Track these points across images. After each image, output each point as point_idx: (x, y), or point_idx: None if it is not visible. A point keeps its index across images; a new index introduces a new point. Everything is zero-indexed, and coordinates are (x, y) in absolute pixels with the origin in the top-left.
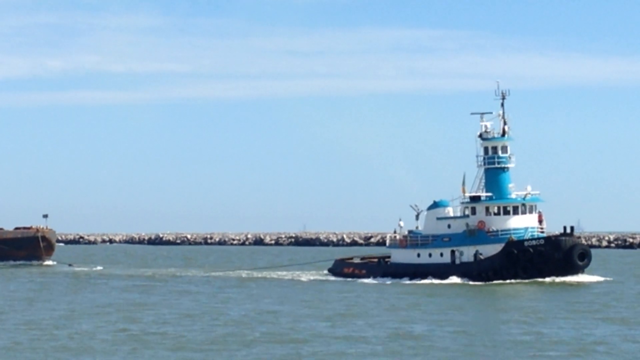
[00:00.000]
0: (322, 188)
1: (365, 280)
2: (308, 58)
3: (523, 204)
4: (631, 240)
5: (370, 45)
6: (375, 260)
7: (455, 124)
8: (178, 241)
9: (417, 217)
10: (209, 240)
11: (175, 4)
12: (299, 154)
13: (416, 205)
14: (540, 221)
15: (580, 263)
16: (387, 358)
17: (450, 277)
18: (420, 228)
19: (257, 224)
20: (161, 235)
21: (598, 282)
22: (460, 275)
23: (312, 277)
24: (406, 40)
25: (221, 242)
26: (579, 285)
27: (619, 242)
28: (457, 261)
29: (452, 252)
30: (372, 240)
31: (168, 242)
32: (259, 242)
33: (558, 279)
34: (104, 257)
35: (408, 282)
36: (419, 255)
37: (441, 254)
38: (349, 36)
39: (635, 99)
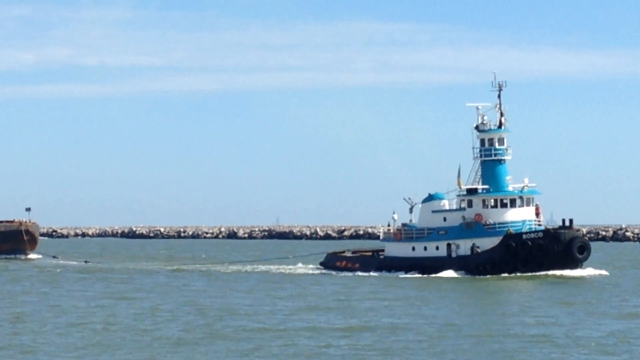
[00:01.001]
0: (295, 181)
1: (360, 274)
2: (281, 51)
3: (520, 197)
4: (604, 233)
5: (343, 38)
6: (369, 253)
7: (435, 117)
8: (151, 235)
9: (410, 210)
10: (182, 234)
11: None
12: (272, 147)
13: (410, 198)
14: (537, 214)
15: (579, 256)
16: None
17: (447, 271)
18: (414, 221)
19: (230, 218)
20: (134, 229)
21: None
22: (457, 268)
23: (303, 271)
24: (379, 34)
25: (194, 236)
26: (578, 279)
27: (592, 235)
28: (454, 254)
29: (448, 245)
30: (346, 233)
31: (141, 236)
32: (232, 235)
33: (557, 272)
34: (86, 250)
35: (404, 275)
36: (413, 248)
37: (437, 247)
38: (322, 29)
39: (610, 92)
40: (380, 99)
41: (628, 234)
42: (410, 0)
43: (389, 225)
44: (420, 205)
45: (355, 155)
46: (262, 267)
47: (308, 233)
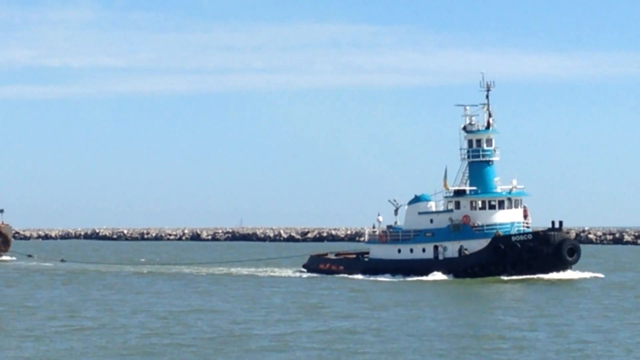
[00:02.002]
0: (259, 183)
1: (344, 277)
2: (246, 53)
3: (509, 198)
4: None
5: (307, 40)
6: (353, 256)
7: (408, 118)
8: (114, 236)
9: (395, 211)
10: (145, 236)
11: None
12: (237, 149)
13: (395, 200)
14: (525, 216)
15: (569, 258)
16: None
17: (434, 273)
18: (399, 223)
19: (193, 219)
20: (97, 231)
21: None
22: (444, 271)
23: (285, 274)
24: (344, 36)
25: (158, 238)
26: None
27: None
28: (441, 257)
29: (435, 247)
30: (309, 235)
31: (104, 238)
32: (195, 237)
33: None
34: (54, 251)
35: (389, 278)
36: (399, 250)
37: (423, 250)
38: (285, 31)
39: (572, 95)
40: (345, 100)
41: (591, 236)
42: (374, 2)
43: (373, 227)
44: (406, 207)
45: (321, 157)
46: (243, 271)
47: (271, 235)
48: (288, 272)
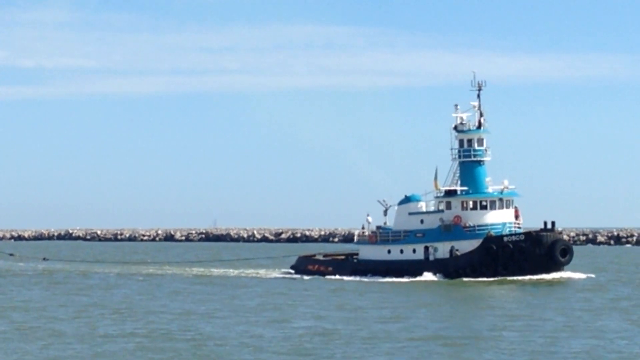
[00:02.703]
0: (232, 184)
1: (334, 278)
2: (219, 54)
3: (500, 199)
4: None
5: (280, 41)
6: (342, 257)
7: (373, 120)
8: (88, 237)
9: (385, 212)
10: (119, 237)
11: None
12: (210, 149)
13: (384, 200)
14: (516, 216)
15: (562, 259)
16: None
17: (424, 274)
18: (389, 224)
19: (167, 220)
20: (71, 231)
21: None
22: (435, 272)
23: (274, 275)
24: (317, 37)
25: (131, 238)
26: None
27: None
28: (431, 257)
29: (426, 248)
30: (283, 236)
31: (78, 238)
32: (169, 238)
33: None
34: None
35: (378, 280)
36: (389, 251)
37: (414, 250)
38: (259, 32)
39: (550, 96)
40: (320, 101)
41: (565, 237)
42: (347, 3)
43: (363, 228)
44: (395, 208)
45: (296, 157)
46: (230, 272)
47: (245, 236)
48: (275, 274)
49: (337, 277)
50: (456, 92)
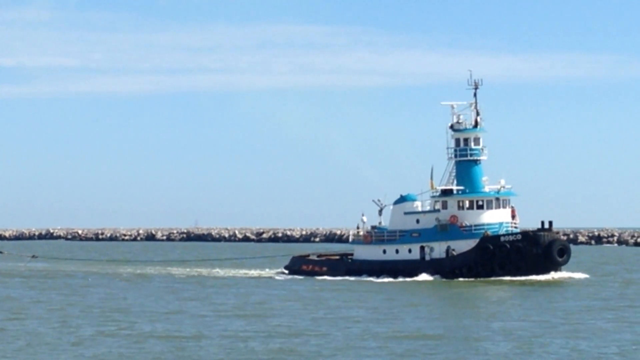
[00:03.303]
0: (214, 183)
1: (328, 278)
2: (200, 53)
3: (497, 198)
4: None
5: (262, 41)
6: (336, 257)
7: (362, 119)
8: (69, 237)
9: (380, 212)
10: (100, 236)
11: None
12: (191, 149)
13: (379, 200)
14: (513, 216)
15: (559, 259)
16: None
17: (421, 275)
18: (384, 223)
19: (148, 220)
20: (52, 231)
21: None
22: (431, 272)
23: (267, 275)
24: (298, 36)
25: (112, 238)
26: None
27: None
28: (427, 257)
29: (422, 248)
30: (264, 236)
31: (59, 237)
32: (150, 237)
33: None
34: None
35: (376, 279)
36: (384, 251)
37: (409, 250)
38: (241, 32)
39: (529, 96)
40: (302, 100)
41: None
42: (328, 3)
43: (358, 228)
44: (391, 207)
45: (278, 157)
46: (220, 272)
47: (227, 235)
48: (270, 274)
49: (331, 277)
50: (441, 91)
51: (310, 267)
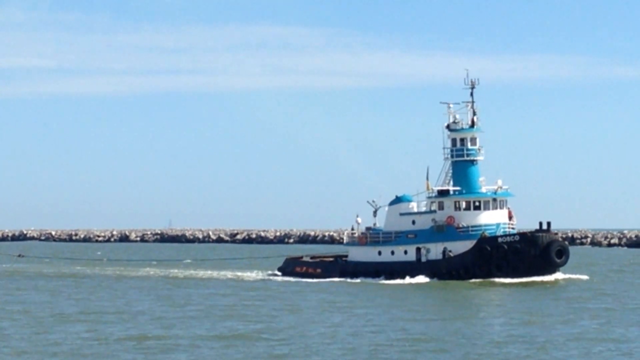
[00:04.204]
0: (187, 184)
1: (322, 280)
2: (174, 54)
3: (494, 199)
4: None
5: (235, 42)
6: (330, 258)
7: (329, 122)
8: (42, 237)
9: (374, 213)
10: (73, 237)
11: None
12: (165, 149)
13: (374, 201)
14: (509, 217)
15: (558, 260)
16: None
17: (417, 276)
18: (378, 225)
19: (122, 221)
20: (25, 232)
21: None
22: (428, 274)
23: (259, 277)
24: (273, 38)
25: (86, 239)
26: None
27: None
28: (423, 259)
29: (418, 249)
30: (238, 237)
31: (32, 239)
32: (124, 238)
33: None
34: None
35: (371, 281)
36: (380, 253)
37: (405, 252)
38: (214, 33)
39: (501, 95)
40: (276, 101)
41: None
42: (303, 4)
43: (352, 229)
44: (386, 208)
45: (253, 157)
46: (214, 274)
47: (200, 236)
48: (261, 276)
49: (326, 279)
50: (422, 92)
51: (304, 269)
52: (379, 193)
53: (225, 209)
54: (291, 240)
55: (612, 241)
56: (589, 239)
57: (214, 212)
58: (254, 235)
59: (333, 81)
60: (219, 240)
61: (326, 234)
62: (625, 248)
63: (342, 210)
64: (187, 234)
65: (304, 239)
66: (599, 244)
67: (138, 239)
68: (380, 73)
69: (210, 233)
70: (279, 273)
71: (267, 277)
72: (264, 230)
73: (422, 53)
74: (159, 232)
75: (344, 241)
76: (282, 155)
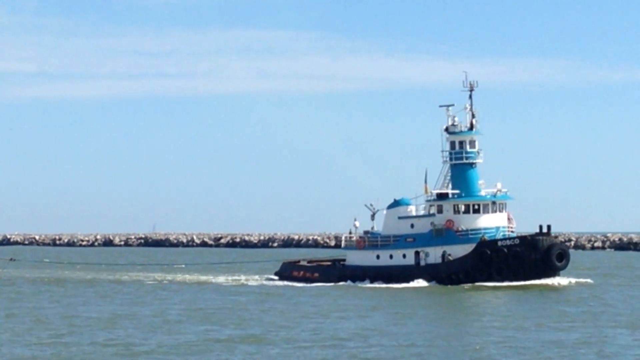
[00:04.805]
0: (171, 188)
1: (320, 284)
2: (158, 58)
3: (493, 202)
4: None
5: (219, 46)
6: (328, 263)
7: (313, 126)
8: (26, 242)
9: (372, 216)
10: (57, 242)
11: (22, 3)
12: (149, 153)
13: (371, 205)
14: (508, 220)
15: (558, 264)
16: None
17: (416, 280)
18: (376, 228)
19: (105, 225)
20: (9, 236)
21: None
22: (427, 277)
23: (257, 282)
24: (256, 42)
25: (70, 244)
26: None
27: None
28: (422, 263)
29: (417, 253)
30: (222, 241)
31: (16, 243)
32: (108, 243)
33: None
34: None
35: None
36: (378, 257)
37: (404, 255)
38: (197, 37)
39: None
40: (259, 105)
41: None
42: (287, 8)
43: (350, 233)
44: (384, 212)
45: (236, 161)
46: (212, 278)
47: (185, 241)
48: (260, 280)
49: (324, 283)
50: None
51: (302, 273)
52: (377, 196)
53: (210, 213)
54: (275, 244)
55: (596, 244)
56: (572, 242)
57: (198, 216)
58: (237, 239)
59: (318, 85)
60: (203, 244)
61: (310, 237)
62: (609, 250)
63: (339, 214)
64: (171, 238)
65: (288, 243)
66: (582, 247)
67: (122, 243)
68: (374, 77)
69: (195, 237)
70: (276, 277)
71: (266, 282)
72: (247, 234)
73: (403, 56)
74: (143, 236)
75: (342, 245)
76: (270, 158)
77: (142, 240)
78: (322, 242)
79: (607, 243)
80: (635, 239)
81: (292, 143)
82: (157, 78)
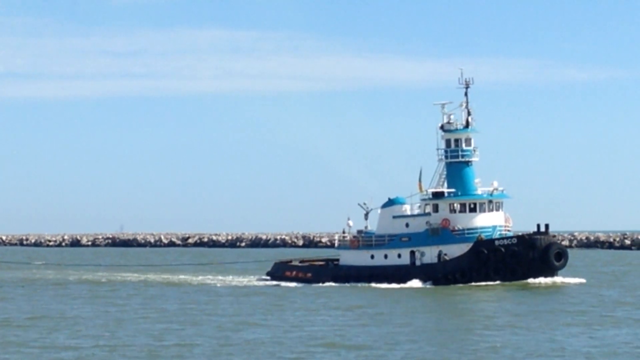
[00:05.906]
0: (138, 188)
1: (313, 285)
2: (124, 58)
3: (490, 201)
4: None
5: (187, 45)
6: (321, 262)
7: (285, 126)
8: None
9: (366, 216)
10: (24, 242)
11: None
12: (115, 154)
13: (365, 204)
14: (505, 219)
15: (556, 263)
16: None
17: (411, 280)
18: (370, 228)
19: (73, 225)
20: None
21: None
22: (422, 277)
23: (249, 282)
24: (222, 41)
25: (37, 244)
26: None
27: None
28: (418, 262)
29: (412, 252)
30: (190, 241)
31: None
32: (75, 243)
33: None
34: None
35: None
36: (372, 256)
37: (399, 255)
38: (165, 37)
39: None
40: (227, 105)
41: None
42: (253, 8)
43: (344, 232)
44: (378, 211)
45: (204, 161)
46: (193, 279)
47: (152, 240)
48: (252, 281)
49: (316, 284)
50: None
51: (294, 273)
52: (370, 195)
53: (177, 213)
54: (243, 244)
55: (563, 243)
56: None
57: (165, 216)
58: (205, 239)
59: (285, 84)
60: (171, 244)
61: (278, 237)
62: (576, 249)
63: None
64: (138, 238)
65: (255, 243)
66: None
67: (89, 243)
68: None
69: (162, 237)
70: (268, 277)
71: (257, 282)
72: (215, 234)
73: (372, 57)
74: (111, 236)
75: (335, 245)
76: (236, 158)
77: (110, 241)
78: (290, 242)
79: (575, 242)
80: (602, 238)
81: (277, 141)
82: (124, 78)
